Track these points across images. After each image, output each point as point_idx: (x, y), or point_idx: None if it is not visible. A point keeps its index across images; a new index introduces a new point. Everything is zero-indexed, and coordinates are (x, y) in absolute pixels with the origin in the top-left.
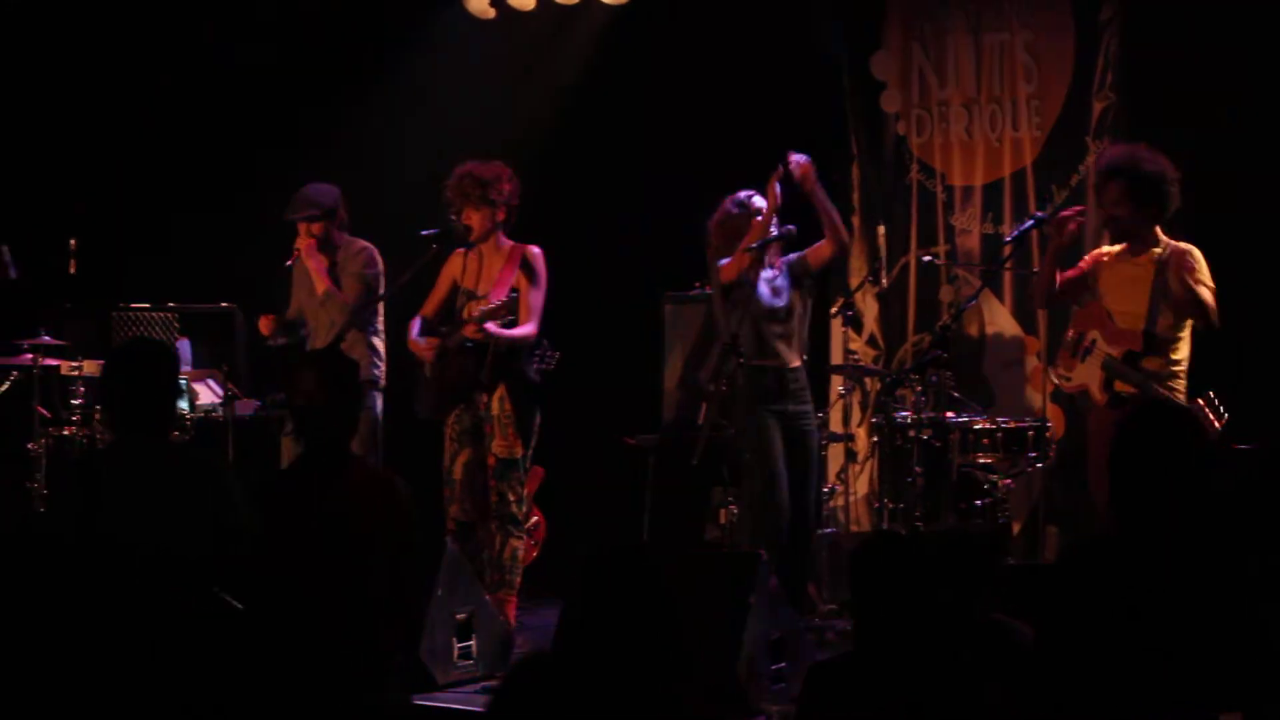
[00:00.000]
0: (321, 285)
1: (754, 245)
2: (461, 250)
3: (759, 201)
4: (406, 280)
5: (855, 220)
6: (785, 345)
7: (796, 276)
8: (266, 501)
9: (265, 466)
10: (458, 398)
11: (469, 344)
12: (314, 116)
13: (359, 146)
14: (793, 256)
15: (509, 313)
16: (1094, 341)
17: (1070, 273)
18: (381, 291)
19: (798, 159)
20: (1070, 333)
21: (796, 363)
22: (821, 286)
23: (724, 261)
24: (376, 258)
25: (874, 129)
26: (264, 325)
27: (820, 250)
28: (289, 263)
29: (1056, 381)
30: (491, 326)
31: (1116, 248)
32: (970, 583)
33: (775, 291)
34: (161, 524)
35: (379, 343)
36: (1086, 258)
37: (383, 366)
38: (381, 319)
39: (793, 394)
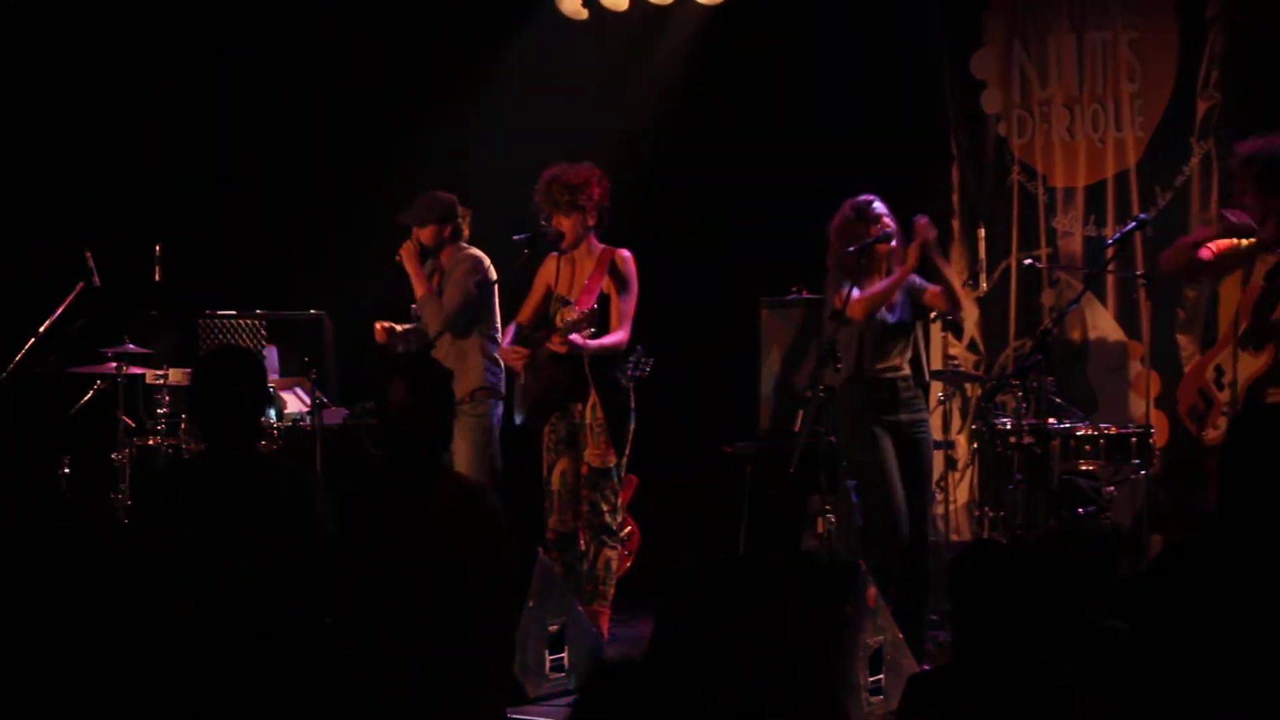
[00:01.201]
0: (420, 289)
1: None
2: (555, 254)
3: (880, 207)
4: (498, 285)
5: (955, 223)
6: (899, 354)
7: (913, 296)
8: (354, 512)
9: (354, 477)
10: (551, 406)
11: (557, 354)
12: (406, 121)
13: (452, 151)
14: (916, 280)
15: (591, 322)
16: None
17: (1223, 244)
18: (492, 296)
19: (924, 222)
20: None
21: (908, 370)
22: None
23: (854, 294)
24: (483, 265)
25: (974, 130)
26: (378, 331)
27: (934, 299)
28: (387, 268)
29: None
30: (576, 339)
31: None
32: (1078, 587)
33: (890, 306)
34: (248, 537)
35: (495, 349)
36: (1218, 243)
37: (501, 373)
38: (498, 324)
39: (906, 402)
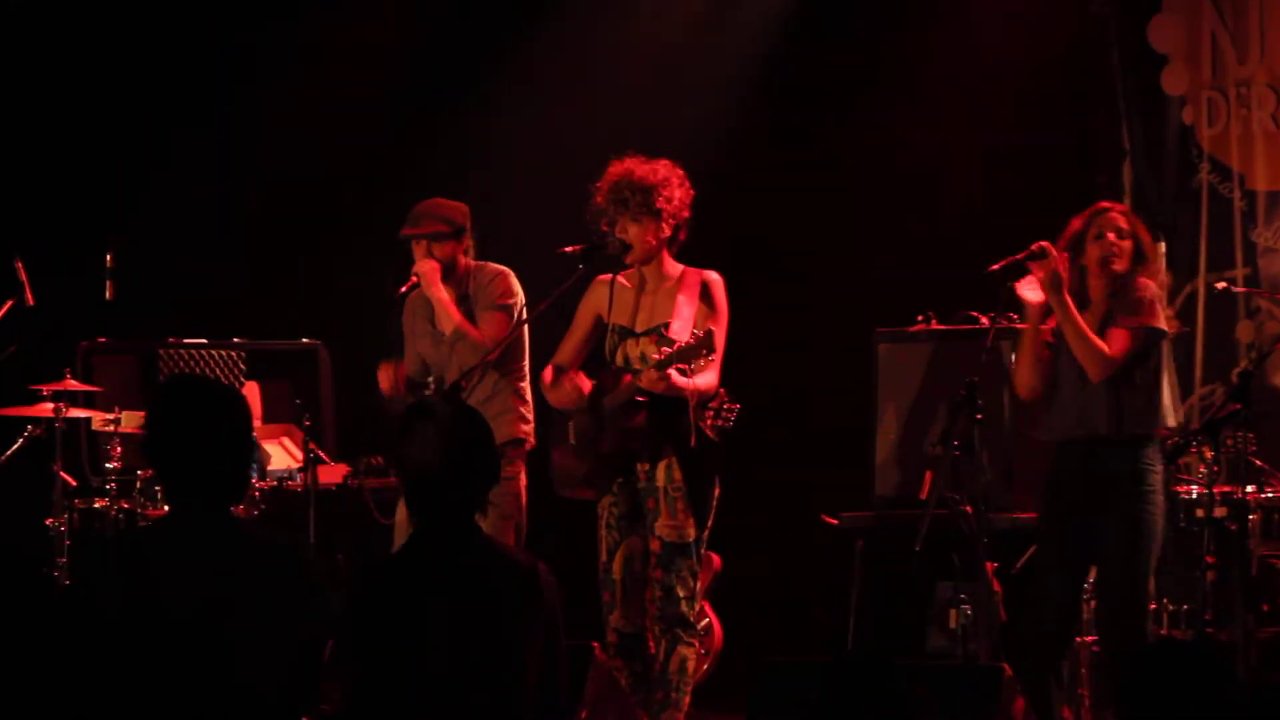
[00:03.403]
0: (452, 321)
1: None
2: (607, 276)
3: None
4: (541, 311)
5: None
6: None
7: None
8: (367, 599)
9: (358, 553)
10: (618, 470)
11: (640, 398)
12: (419, 114)
13: (477, 148)
14: None
15: (710, 350)
16: None
17: None
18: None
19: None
20: None
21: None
22: None
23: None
24: (516, 285)
25: (1152, 116)
26: (384, 379)
27: None
28: (402, 290)
29: None
30: (675, 376)
31: None
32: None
33: None
34: (217, 630)
35: (527, 392)
36: None
37: (531, 423)
38: (526, 362)
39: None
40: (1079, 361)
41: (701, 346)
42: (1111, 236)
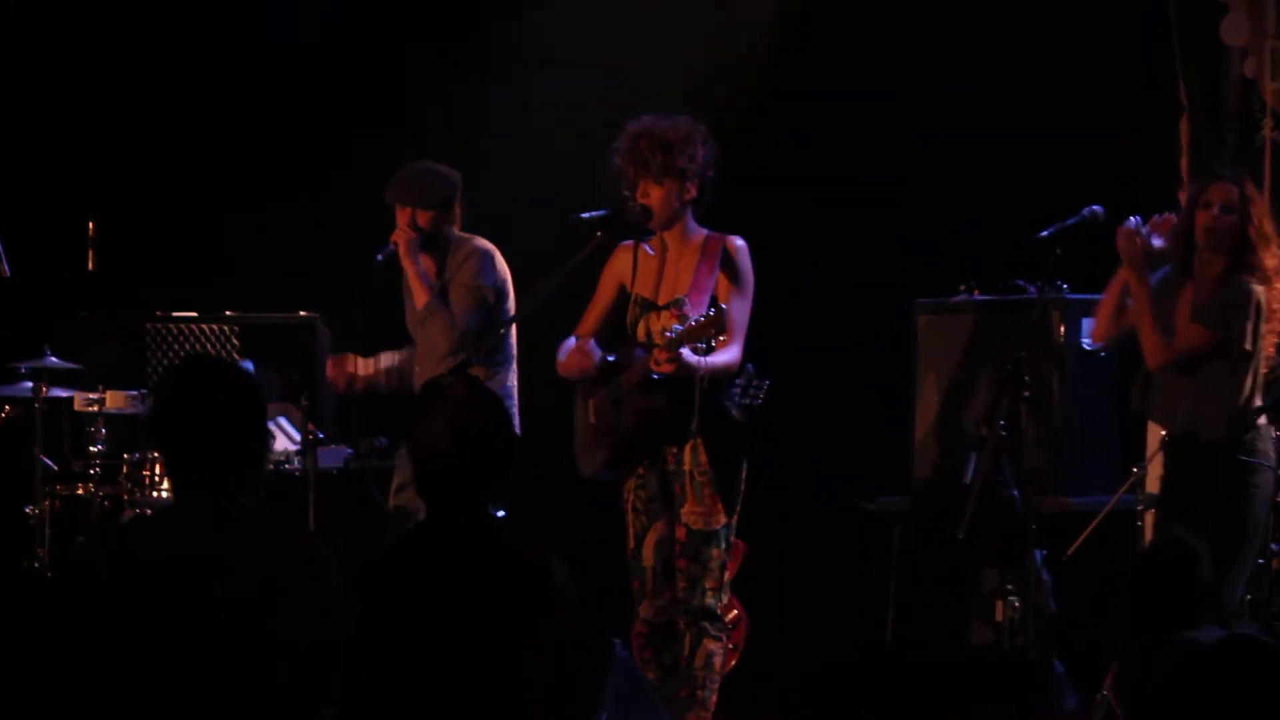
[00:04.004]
0: (422, 297)
1: None
2: (630, 243)
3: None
4: (555, 287)
5: (1183, 198)
6: None
7: None
8: (371, 592)
9: (360, 541)
10: (642, 452)
11: (656, 377)
12: (416, 70)
13: (479, 106)
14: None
15: (720, 330)
16: None
17: None
18: (508, 308)
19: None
20: None
21: None
22: None
23: None
24: (496, 264)
25: (1210, 69)
26: (332, 370)
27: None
28: (379, 257)
29: None
30: (689, 355)
31: None
32: None
33: None
34: (225, 631)
35: (513, 378)
36: None
37: (516, 411)
38: (515, 344)
39: None
40: (1142, 344)
41: (710, 326)
42: (1216, 210)
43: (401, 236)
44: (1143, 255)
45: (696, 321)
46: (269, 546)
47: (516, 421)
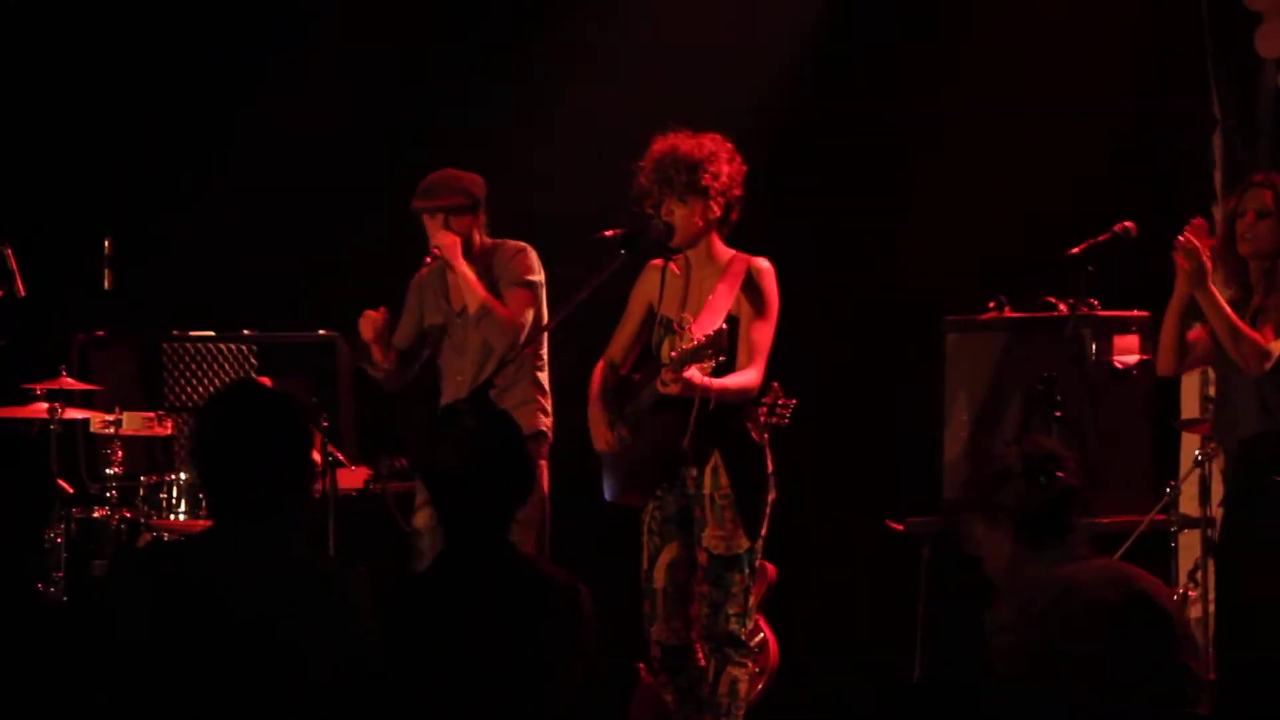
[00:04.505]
0: (478, 297)
1: None
2: (659, 262)
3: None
4: (579, 302)
5: (1217, 212)
6: None
7: None
8: (397, 621)
9: (380, 566)
10: (659, 474)
11: (665, 398)
12: (441, 84)
13: (501, 122)
14: None
15: (720, 350)
16: None
17: None
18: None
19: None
20: None
21: None
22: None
23: None
24: (537, 261)
25: (1245, 81)
26: (366, 326)
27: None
28: (428, 264)
29: None
30: (695, 375)
31: None
32: None
33: None
34: (256, 664)
35: (546, 381)
36: None
37: (552, 415)
38: (546, 349)
39: None
40: (1233, 357)
41: (708, 346)
42: (1250, 217)
43: (446, 239)
44: (1208, 268)
45: (696, 343)
46: (300, 579)
47: (552, 408)
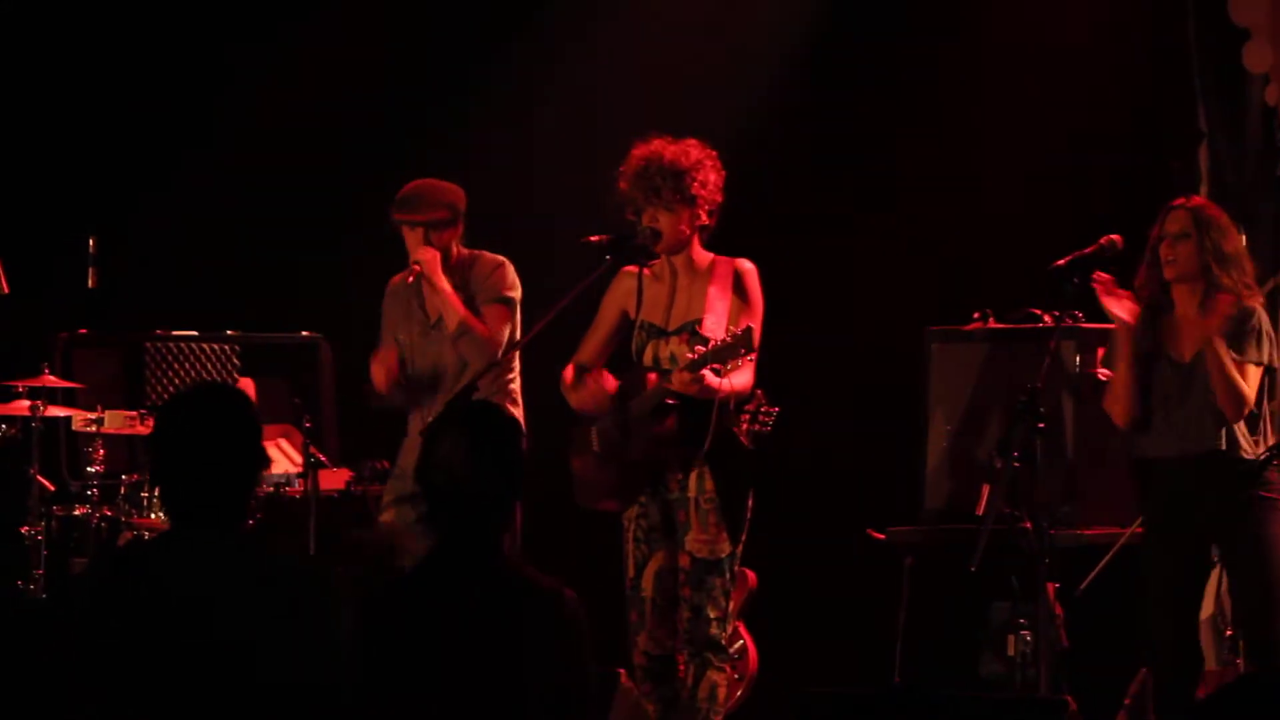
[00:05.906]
0: (457, 315)
1: None
2: (633, 269)
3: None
4: (560, 310)
5: None
6: None
7: None
8: (376, 626)
9: (360, 564)
10: (646, 480)
11: (671, 400)
12: (422, 89)
13: (483, 128)
14: None
15: (749, 349)
16: None
17: None
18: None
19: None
20: None
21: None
22: None
23: None
24: (515, 276)
25: (1232, 96)
26: (379, 373)
27: None
28: (408, 280)
29: None
30: (710, 376)
31: None
32: None
33: None
34: (229, 670)
35: (518, 392)
36: None
37: (523, 425)
38: (517, 360)
39: None
40: (1219, 399)
41: (739, 345)
42: (1170, 241)
43: (425, 255)
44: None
45: (722, 341)
46: (272, 576)
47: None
